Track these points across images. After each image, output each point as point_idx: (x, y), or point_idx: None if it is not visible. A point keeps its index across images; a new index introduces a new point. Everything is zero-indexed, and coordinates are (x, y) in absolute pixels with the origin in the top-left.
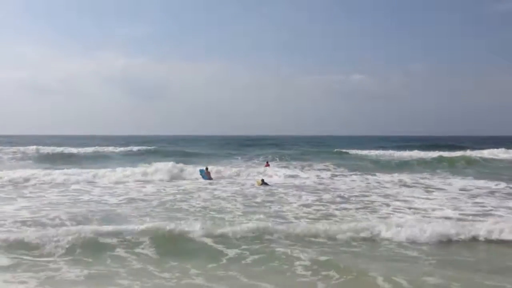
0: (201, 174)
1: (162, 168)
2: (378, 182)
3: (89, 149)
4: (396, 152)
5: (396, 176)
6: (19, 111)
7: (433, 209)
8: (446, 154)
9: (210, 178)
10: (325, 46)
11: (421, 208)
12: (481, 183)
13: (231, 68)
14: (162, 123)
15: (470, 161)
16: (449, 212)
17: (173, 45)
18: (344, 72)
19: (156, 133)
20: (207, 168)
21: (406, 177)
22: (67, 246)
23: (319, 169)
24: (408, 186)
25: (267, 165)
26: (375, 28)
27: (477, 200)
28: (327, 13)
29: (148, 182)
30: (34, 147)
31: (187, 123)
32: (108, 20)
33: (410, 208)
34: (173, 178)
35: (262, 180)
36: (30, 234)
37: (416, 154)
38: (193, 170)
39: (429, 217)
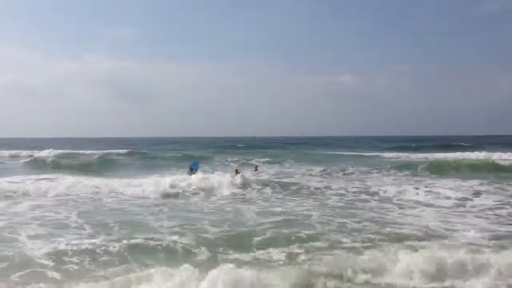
0: (193, 168)
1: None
2: (381, 187)
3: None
4: (397, 154)
5: (397, 177)
6: (4, 113)
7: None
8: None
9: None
10: (313, 47)
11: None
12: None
13: (218, 69)
14: (150, 125)
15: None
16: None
17: (160, 46)
18: (332, 73)
19: (144, 135)
20: (256, 168)
21: (404, 179)
22: None
23: (309, 171)
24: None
25: (256, 169)
26: (363, 29)
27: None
28: (318, 14)
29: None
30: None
31: (175, 125)
32: (94, 22)
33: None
34: None
35: (236, 171)
36: None
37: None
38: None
39: None
